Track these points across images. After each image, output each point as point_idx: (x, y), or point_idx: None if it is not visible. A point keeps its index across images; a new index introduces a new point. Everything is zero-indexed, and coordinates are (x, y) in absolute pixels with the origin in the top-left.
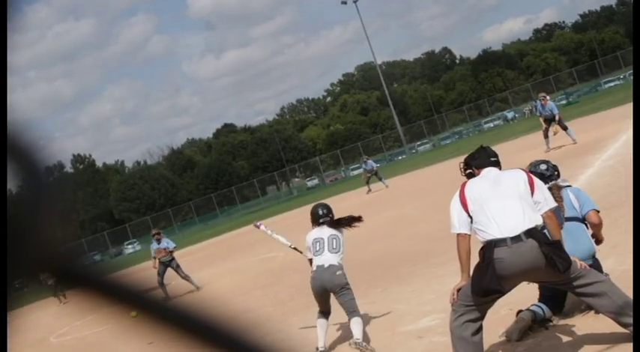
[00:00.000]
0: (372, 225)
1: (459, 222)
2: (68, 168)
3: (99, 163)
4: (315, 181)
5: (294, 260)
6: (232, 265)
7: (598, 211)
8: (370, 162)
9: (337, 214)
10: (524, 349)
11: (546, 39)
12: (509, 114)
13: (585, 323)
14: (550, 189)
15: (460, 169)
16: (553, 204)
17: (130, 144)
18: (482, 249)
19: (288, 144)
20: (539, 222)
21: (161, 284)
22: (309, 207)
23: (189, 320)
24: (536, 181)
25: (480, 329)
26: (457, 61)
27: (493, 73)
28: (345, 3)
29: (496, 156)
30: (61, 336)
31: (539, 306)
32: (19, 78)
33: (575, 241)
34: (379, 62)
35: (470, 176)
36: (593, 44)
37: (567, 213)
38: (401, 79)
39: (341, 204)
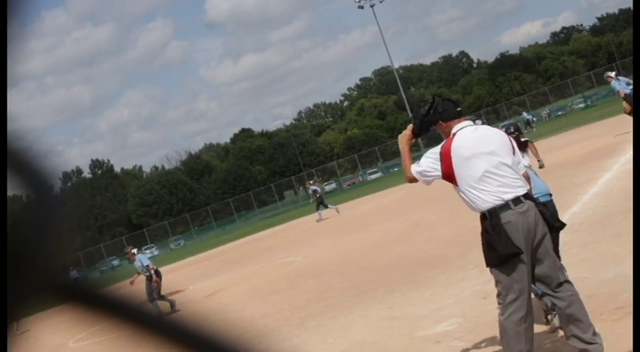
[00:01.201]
0: (390, 229)
1: (422, 169)
2: (86, 173)
3: (117, 168)
4: (333, 185)
5: (311, 265)
6: (250, 270)
7: None
8: (313, 187)
9: (355, 219)
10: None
11: (564, 42)
12: (528, 116)
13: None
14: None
15: (414, 126)
16: (527, 163)
17: (148, 150)
18: (483, 218)
19: (305, 149)
20: (526, 183)
21: (152, 300)
22: (325, 212)
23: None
24: (513, 141)
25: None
26: (474, 65)
27: (511, 77)
28: (362, 7)
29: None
30: (80, 341)
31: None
32: (37, 83)
33: (535, 183)
34: (396, 66)
35: (419, 134)
36: (611, 47)
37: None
38: (418, 83)
39: (359, 209)
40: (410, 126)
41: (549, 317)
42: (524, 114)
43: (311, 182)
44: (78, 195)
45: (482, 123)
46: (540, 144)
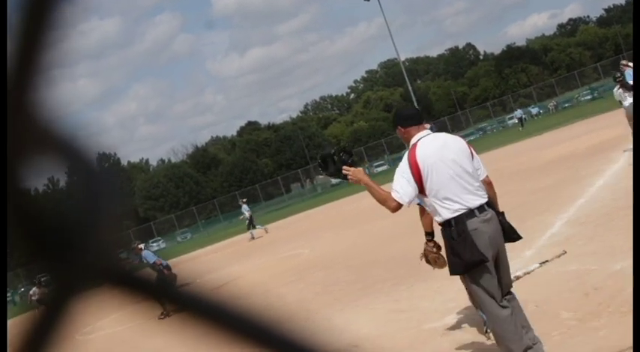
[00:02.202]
0: (396, 222)
1: (403, 191)
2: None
3: (124, 162)
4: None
5: (318, 257)
6: (257, 262)
7: None
8: (245, 206)
9: (362, 211)
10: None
11: (571, 34)
12: (534, 110)
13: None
14: None
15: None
16: (487, 169)
17: (155, 143)
18: (446, 225)
19: (311, 142)
20: (486, 190)
21: None
22: (333, 205)
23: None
24: (471, 147)
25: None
26: (481, 57)
27: (517, 69)
28: (368, 0)
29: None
30: (86, 334)
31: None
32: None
33: None
34: (402, 58)
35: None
36: (618, 39)
37: None
38: (424, 75)
39: (365, 201)
40: (353, 171)
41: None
42: (530, 108)
43: (244, 200)
44: (115, 174)
45: (435, 131)
46: (547, 137)
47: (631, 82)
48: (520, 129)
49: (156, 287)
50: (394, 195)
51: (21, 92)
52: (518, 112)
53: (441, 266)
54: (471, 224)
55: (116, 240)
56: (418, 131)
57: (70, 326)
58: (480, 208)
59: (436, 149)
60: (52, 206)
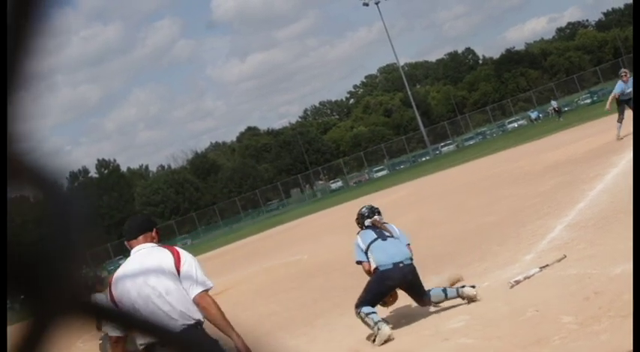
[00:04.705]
0: (396, 226)
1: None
2: (93, 173)
3: (123, 168)
4: (339, 183)
5: (318, 263)
6: (256, 268)
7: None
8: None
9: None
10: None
11: (570, 38)
12: (533, 114)
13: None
14: (372, 223)
15: None
16: (209, 283)
17: (155, 149)
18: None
19: (311, 147)
20: (193, 314)
21: None
22: (333, 210)
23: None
24: (184, 256)
25: None
26: (480, 61)
27: (516, 73)
28: (367, 5)
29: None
30: (88, 341)
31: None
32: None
33: (400, 247)
34: (402, 63)
35: None
36: (617, 42)
37: (394, 234)
38: (424, 80)
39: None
40: None
41: None
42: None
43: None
44: (85, 195)
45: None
46: (547, 141)
47: (618, 92)
48: (559, 120)
49: (120, 315)
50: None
51: None
52: (554, 103)
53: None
54: None
55: (82, 268)
56: (138, 244)
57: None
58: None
59: (131, 260)
60: (24, 236)
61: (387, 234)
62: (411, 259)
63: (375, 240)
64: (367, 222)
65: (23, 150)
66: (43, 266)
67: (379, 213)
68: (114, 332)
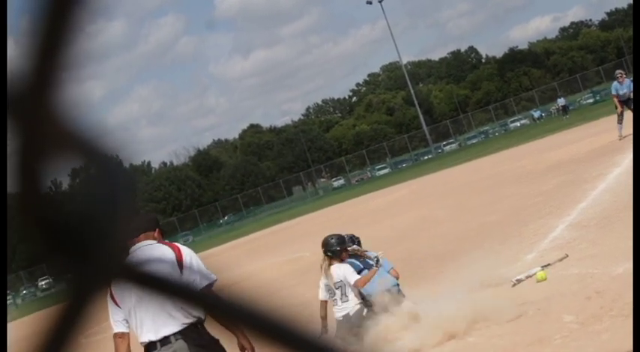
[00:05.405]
0: (398, 224)
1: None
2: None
3: (126, 164)
4: (341, 181)
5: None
6: (258, 265)
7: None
8: None
9: (364, 214)
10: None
11: (573, 37)
12: (536, 114)
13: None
14: (354, 252)
15: None
16: (213, 276)
17: (157, 145)
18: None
19: (313, 145)
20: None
21: None
22: (335, 208)
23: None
24: (185, 251)
25: None
26: (483, 60)
27: (519, 72)
28: (370, 3)
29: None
30: (90, 336)
31: None
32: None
33: (384, 275)
34: (405, 62)
35: None
36: (620, 42)
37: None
38: (427, 78)
39: (367, 204)
40: None
41: None
42: (533, 111)
43: None
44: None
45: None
46: (549, 140)
47: (614, 92)
48: (564, 118)
49: (168, 284)
50: None
51: (41, 91)
52: (560, 100)
53: None
54: None
55: (128, 238)
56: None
57: (89, 323)
58: (164, 340)
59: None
60: (69, 205)
61: (371, 261)
62: (398, 285)
63: (362, 271)
64: (350, 249)
65: (70, 117)
66: (92, 230)
67: (359, 243)
68: (119, 328)
